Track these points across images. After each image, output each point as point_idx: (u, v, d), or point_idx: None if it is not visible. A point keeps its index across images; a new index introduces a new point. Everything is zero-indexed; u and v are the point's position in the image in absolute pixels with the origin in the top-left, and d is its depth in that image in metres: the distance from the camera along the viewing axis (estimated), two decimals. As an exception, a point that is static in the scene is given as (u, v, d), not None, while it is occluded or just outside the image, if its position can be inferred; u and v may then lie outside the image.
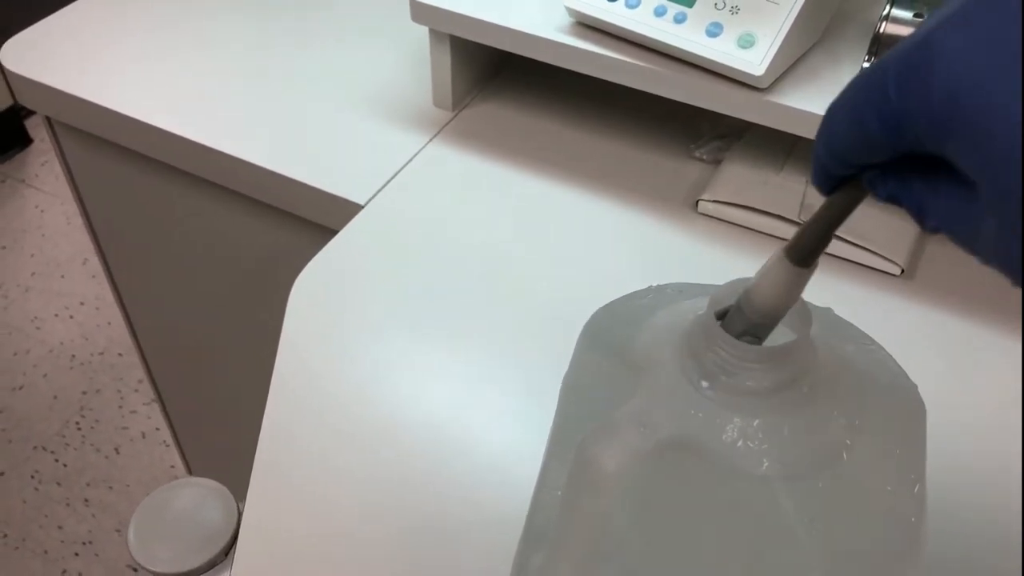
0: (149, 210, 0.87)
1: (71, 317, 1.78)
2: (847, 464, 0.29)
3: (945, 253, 0.61)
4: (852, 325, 0.34)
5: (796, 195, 0.62)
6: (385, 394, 0.54)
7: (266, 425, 0.53)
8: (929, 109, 0.22)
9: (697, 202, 0.64)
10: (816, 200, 0.64)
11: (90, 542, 1.42)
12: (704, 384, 0.29)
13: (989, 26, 0.21)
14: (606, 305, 0.35)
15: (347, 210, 0.65)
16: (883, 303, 0.58)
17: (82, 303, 1.81)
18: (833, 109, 0.25)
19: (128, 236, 0.95)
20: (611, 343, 0.33)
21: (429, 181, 0.67)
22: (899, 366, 0.33)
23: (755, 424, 0.28)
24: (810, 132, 0.58)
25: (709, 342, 0.28)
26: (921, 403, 0.32)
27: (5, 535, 1.44)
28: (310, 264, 0.61)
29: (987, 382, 0.54)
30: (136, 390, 1.65)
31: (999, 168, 0.21)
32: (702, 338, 0.29)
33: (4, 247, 1.93)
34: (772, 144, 0.66)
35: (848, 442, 0.29)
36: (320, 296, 0.59)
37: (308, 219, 0.69)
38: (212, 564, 0.55)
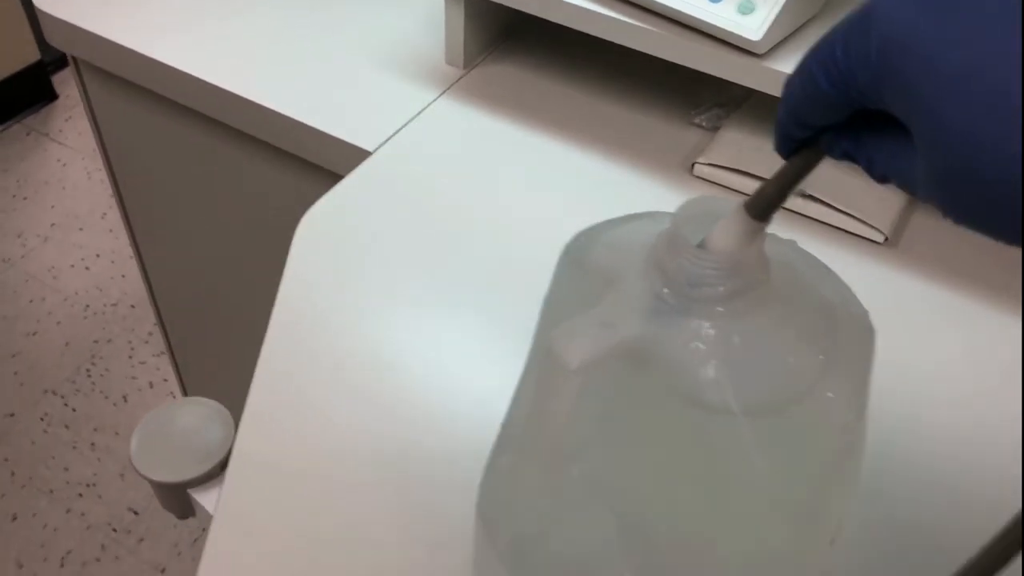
0: (168, 156, 0.89)
1: (87, 269, 1.82)
2: (792, 371, 0.31)
3: (930, 224, 0.63)
4: (812, 256, 0.36)
5: (789, 162, 0.64)
6: (380, 332, 0.56)
7: (264, 353, 0.55)
8: (868, 64, 0.25)
9: (693, 165, 0.66)
10: (808, 168, 0.66)
11: (94, 484, 1.46)
12: (665, 291, 0.31)
13: None
14: (587, 228, 0.37)
15: (355, 156, 0.68)
16: (865, 269, 0.60)
17: (98, 255, 1.84)
18: (792, 75, 0.28)
19: (147, 184, 0.98)
20: (586, 260, 0.35)
21: (436, 134, 0.70)
22: (853, 294, 0.35)
23: (706, 327, 0.30)
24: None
25: (671, 250, 0.31)
26: (871, 328, 0.34)
27: (13, 473, 1.48)
28: (316, 205, 0.64)
29: (961, 350, 0.56)
30: (146, 342, 1.68)
31: (923, 113, 0.24)
32: (666, 247, 0.31)
33: (26, 198, 1.97)
34: (771, 113, 0.68)
35: (795, 351, 0.31)
36: (323, 236, 0.62)
37: (318, 165, 0.72)
38: (208, 477, 0.57)
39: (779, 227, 0.53)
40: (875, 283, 0.60)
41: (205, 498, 0.57)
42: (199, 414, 0.60)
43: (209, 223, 0.94)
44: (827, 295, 0.34)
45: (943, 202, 0.24)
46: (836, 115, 0.27)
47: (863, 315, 0.35)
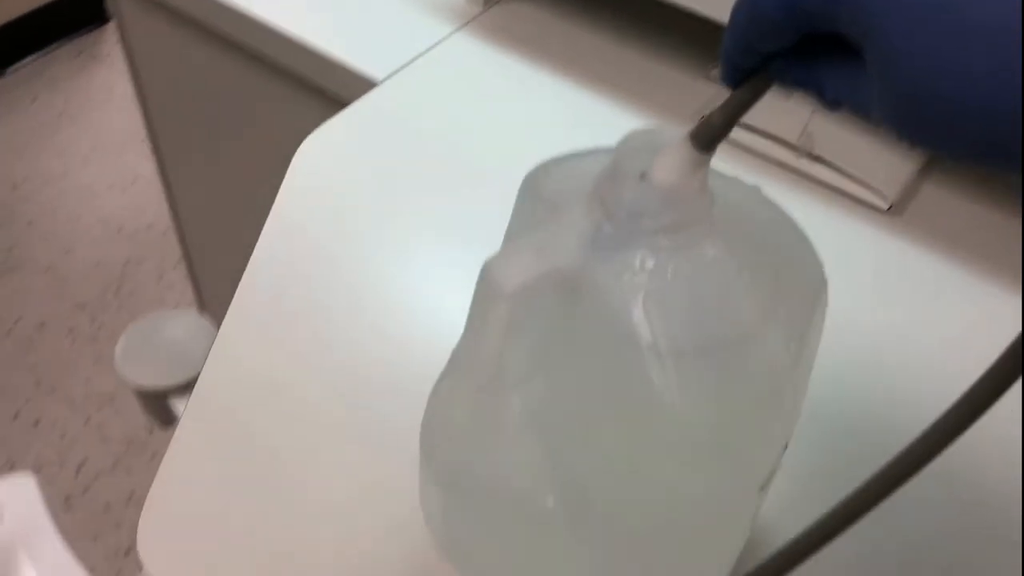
0: (190, 76, 0.90)
1: (123, 191, 1.85)
2: (727, 313, 0.31)
3: (940, 195, 0.61)
4: (774, 203, 0.35)
5: (800, 121, 0.62)
6: (369, 255, 0.56)
7: (251, 265, 0.56)
8: None
9: (700, 118, 0.65)
10: (818, 128, 0.65)
11: (114, 399, 1.49)
12: (605, 221, 0.31)
13: None
14: (550, 159, 0.37)
15: (363, 85, 0.67)
16: (865, 235, 0.59)
17: (135, 179, 1.87)
18: (736, 3, 0.27)
19: (173, 104, 0.99)
20: (540, 189, 0.35)
21: (448, 69, 0.69)
22: (811, 245, 0.34)
23: (642, 260, 0.30)
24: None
25: (613, 181, 0.30)
26: (823, 280, 0.34)
27: (39, 381, 1.52)
28: (317, 130, 0.64)
29: (961, 324, 0.55)
30: (175, 267, 1.71)
31: (878, 34, 0.23)
32: (608, 178, 0.31)
33: (71, 117, 2.00)
34: (786, 71, 0.66)
35: (733, 293, 0.31)
36: (322, 162, 0.62)
37: (325, 90, 0.72)
38: (188, 387, 0.59)
39: (779, 184, 0.53)
40: (875, 250, 0.59)
41: (184, 407, 0.58)
42: (186, 325, 0.61)
43: (227, 147, 0.94)
44: (781, 241, 0.34)
45: (898, 124, 0.24)
46: (785, 40, 0.26)
47: (817, 266, 0.34)
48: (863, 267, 0.57)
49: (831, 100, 0.28)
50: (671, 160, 0.30)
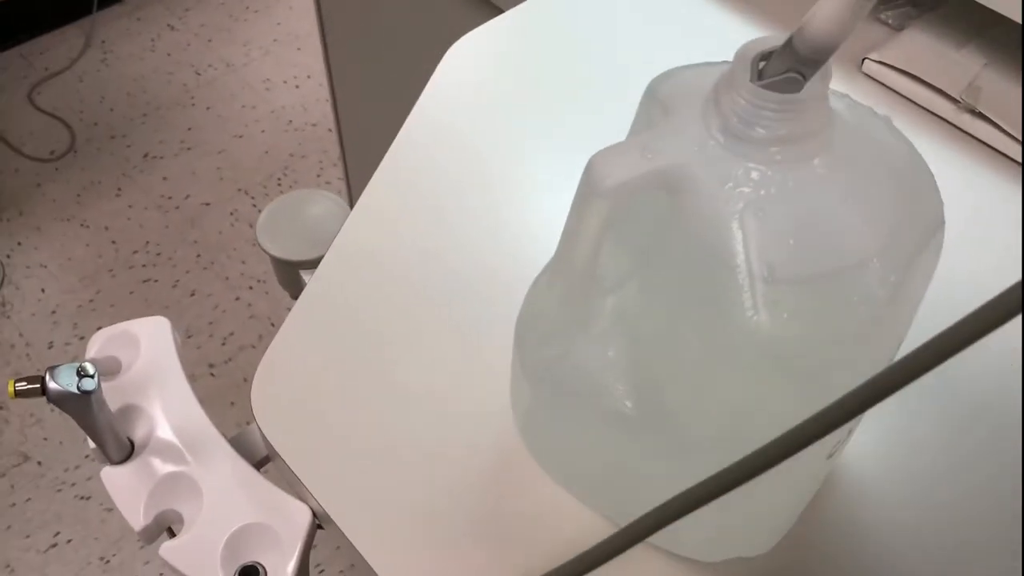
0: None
1: (297, 87, 1.93)
2: (831, 240, 0.30)
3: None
4: (904, 138, 0.34)
5: (967, 75, 0.59)
6: (493, 163, 0.58)
7: (388, 157, 0.58)
8: None
9: (863, 61, 0.62)
10: (987, 84, 0.61)
11: (264, 281, 1.59)
12: (716, 126, 0.30)
13: None
14: (672, 68, 0.37)
15: (522, -7, 0.68)
16: (1011, 199, 0.55)
17: (309, 76, 1.95)
18: None
19: (345, 11, 1.02)
20: (657, 94, 0.35)
21: (607, -15, 0.69)
22: (936, 186, 0.33)
23: (751, 171, 0.30)
24: (1011, 11, 0.55)
25: (729, 86, 0.30)
26: (940, 221, 0.32)
27: (199, 255, 1.63)
28: (467, 35, 0.65)
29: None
30: (335, 164, 1.78)
31: None
32: (725, 84, 0.30)
33: (257, 11, 2.09)
34: (962, 21, 0.62)
35: (841, 219, 0.30)
36: (467, 64, 0.63)
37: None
38: (315, 264, 0.62)
39: (932, 136, 0.50)
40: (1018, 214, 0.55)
41: (311, 282, 0.62)
42: (326, 206, 0.64)
43: (388, 52, 0.97)
44: (901, 174, 0.32)
45: None
46: None
47: (936, 204, 0.32)
48: (1003, 228, 0.54)
49: None
50: (831, 3, 0.27)
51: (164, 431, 0.47)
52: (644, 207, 0.33)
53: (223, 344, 1.50)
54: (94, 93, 1.92)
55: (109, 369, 0.49)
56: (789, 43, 0.29)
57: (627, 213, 0.32)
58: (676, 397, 0.35)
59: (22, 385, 0.42)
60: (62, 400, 0.42)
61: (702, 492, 0.26)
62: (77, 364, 0.42)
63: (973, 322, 0.19)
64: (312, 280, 0.53)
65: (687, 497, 0.26)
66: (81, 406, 0.42)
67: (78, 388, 0.42)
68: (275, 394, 0.49)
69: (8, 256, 1.63)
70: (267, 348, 0.50)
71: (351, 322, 0.51)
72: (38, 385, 0.42)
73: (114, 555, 1.29)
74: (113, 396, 0.48)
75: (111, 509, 1.33)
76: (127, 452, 0.47)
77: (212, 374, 1.46)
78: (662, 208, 0.32)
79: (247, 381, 1.47)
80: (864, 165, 0.31)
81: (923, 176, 0.33)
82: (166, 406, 0.48)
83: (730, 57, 0.38)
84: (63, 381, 0.42)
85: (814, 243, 0.30)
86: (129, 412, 0.48)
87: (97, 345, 0.51)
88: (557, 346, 0.37)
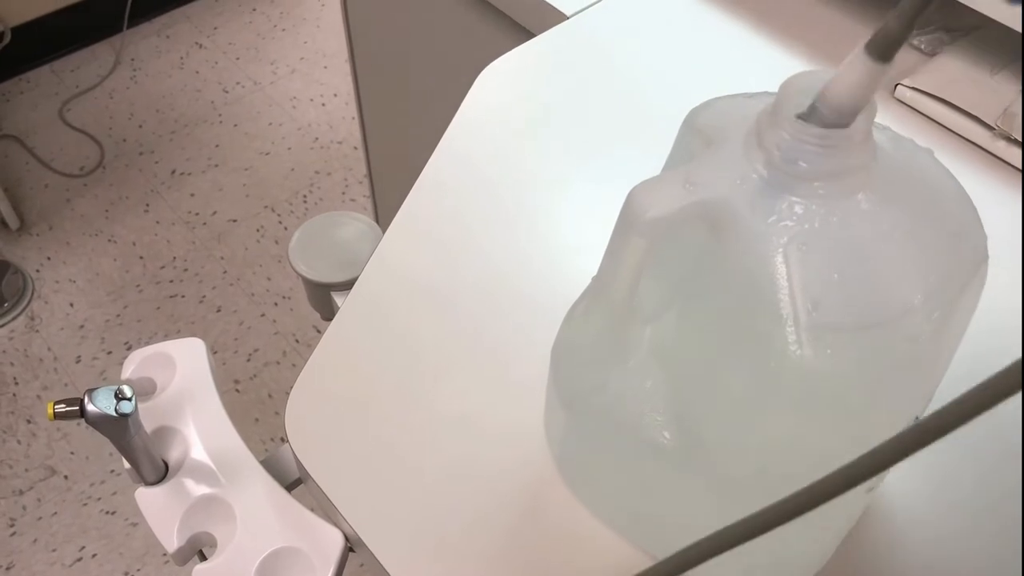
0: (394, 4, 0.94)
1: (323, 105, 1.94)
2: (871, 270, 0.30)
3: None
4: (947, 170, 0.34)
5: (1002, 102, 0.58)
6: (528, 184, 0.58)
7: (421, 180, 0.59)
8: None
9: (896, 86, 0.62)
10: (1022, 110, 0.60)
11: (289, 297, 1.60)
12: (759, 160, 0.30)
13: None
14: (711, 99, 0.37)
15: (552, 17, 0.68)
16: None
17: (335, 95, 1.96)
18: None
19: (374, 32, 1.03)
20: (697, 125, 0.35)
21: (638, 9, 0.69)
22: (978, 218, 0.33)
23: (794, 205, 0.30)
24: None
25: (772, 121, 0.30)
26: (985, 256, 0.32)
27: (226, 271, 1.65)
28: (500, 59, 0.65)
29: None
30: (360, 182, 1.79)
31: None
32: (768, 118, 0.30)
33: (284, 30, 2.11)
34: (996, 47, 0.62)
35: (886, 256, 0.30)
36: (501, 88, 0.63)
37: (514, 20, 0.73)
38: (350, 285, 0.62)
39: (967, 163, 0.50)
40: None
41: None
42: (357, 228, 0.65)
43: (416, 74, 0.97)
44: (945, 207, 0.32)
45: None
46: None
47: (980, 238, 0.32)
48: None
49: None
50: (848, 74, 0.28)
51: (198, 452, 0.48)
52: (684, 238, 0.33)
53: (248, 360, 1.51)
54: (123, 110, 1.94)
55: (144, 390, 0.50)
56: (814, 107, 0.29)
57: (666, 244, 0.32)
58: (713, 429, 0.35)
59: (61, 407, 0.43)
60: (100, 422, 0.42)
61: (737, 532, 0.26)
62: (115, 386, 0.43)
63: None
64: (346, 303, 0.53)
65: (720, 537, 0.26)
66: (118, 428, 0.43)
67: (116, 411, 0.42)
68: (309, 417, 0.49)
69: (37, 271, 1.65)
70: (292, 365, 0.50)
71: (385, 346, 0.51)
72: (77, 407, 0.42)
73: (139, 570, 1.30)
74: (148, 417, 0.48)
75: (136, 524, 1.34)
76: (161, 473, 0.47)
77: (237, 390, 1.47)
78: (702, 239, 0.32)
79: (272, 397, 1.47)
80: (908, 200, 0.31)
81: (967, 210, 0.33)
82: (200, 427, 0.48)
83: (768, 87, 0.38)
84: (101, 404, 0.42)
85: (858, 284, 0.30)
86: (164, 433, 0.49)
87: (133, 365, 0.51)
88: (594, 375, 0.37)
